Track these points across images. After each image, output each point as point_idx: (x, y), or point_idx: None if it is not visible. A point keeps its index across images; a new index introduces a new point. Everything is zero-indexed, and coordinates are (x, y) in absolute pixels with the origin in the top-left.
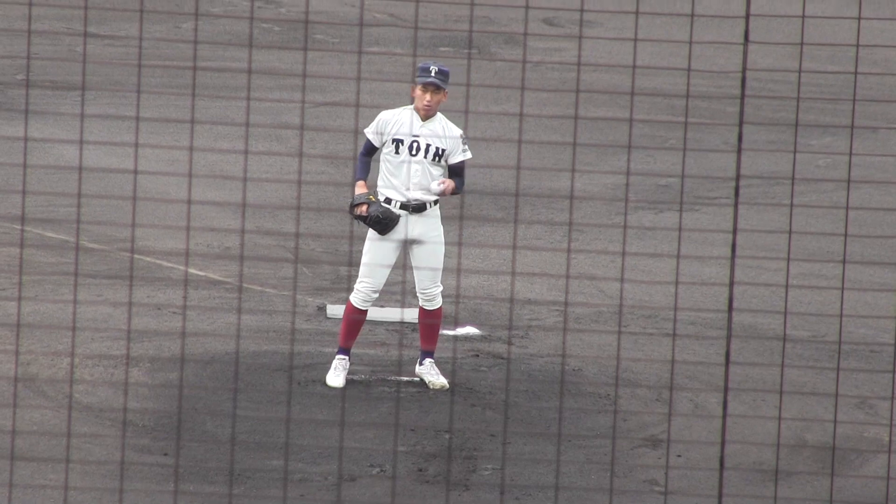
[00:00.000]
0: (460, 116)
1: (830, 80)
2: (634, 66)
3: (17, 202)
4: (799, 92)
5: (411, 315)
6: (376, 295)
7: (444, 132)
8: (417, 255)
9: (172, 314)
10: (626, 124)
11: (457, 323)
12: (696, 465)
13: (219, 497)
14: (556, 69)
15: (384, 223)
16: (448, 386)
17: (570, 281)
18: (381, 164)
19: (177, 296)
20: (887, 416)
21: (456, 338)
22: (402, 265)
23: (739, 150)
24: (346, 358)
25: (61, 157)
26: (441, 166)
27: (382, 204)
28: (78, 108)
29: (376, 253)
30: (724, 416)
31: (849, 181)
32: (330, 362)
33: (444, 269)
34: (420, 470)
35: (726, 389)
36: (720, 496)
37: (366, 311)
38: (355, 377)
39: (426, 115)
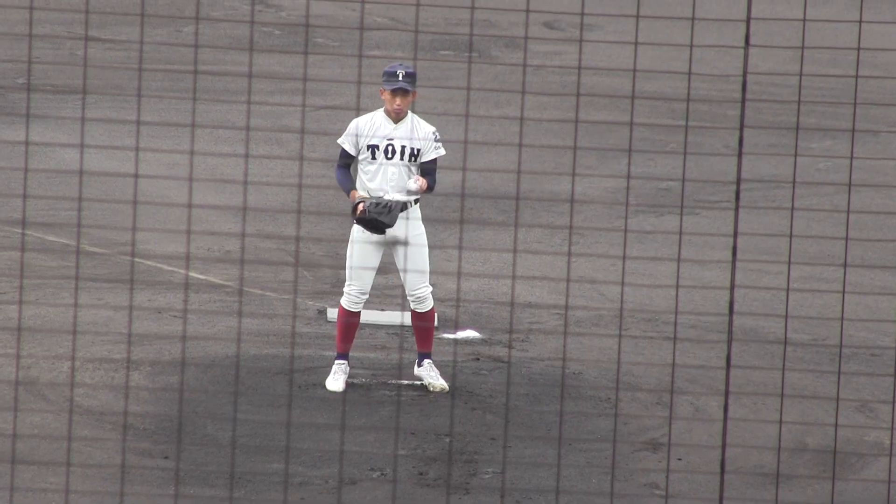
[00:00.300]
0: (461, 120)
1: (831, 84)
2: (635, 70)
3: (18, 206)
4: (800, 95)
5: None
6: (365, 296)
7: (416, 133)
8: (402, 258)
9: (173, 318)
10: (627, 128)
11: (457, 326)
12: (696, 469)
13: (219, 500)
14: (556, 73)
15: (389, 215)
16: (448, 389)
17: (571, 284)
18: (359, 171)
19: (177, 299)
20: (888, 420)
21: (456, 341)
22: (397, 269)
23: (740, 154)
24: (346, 363)
25: (62, 160)
26: (417, 165)
27: (382, 198)
28: (79, 111)
29: (360, 256)
30: (725, 420)
31: (850, 185)
32: (330, 366)
33: (445, 273)
34: (420, 473)
35: (727, 393)
36: (721, 500)
37: (358, 312)
38: (355, 381)
39: (398, 118)
